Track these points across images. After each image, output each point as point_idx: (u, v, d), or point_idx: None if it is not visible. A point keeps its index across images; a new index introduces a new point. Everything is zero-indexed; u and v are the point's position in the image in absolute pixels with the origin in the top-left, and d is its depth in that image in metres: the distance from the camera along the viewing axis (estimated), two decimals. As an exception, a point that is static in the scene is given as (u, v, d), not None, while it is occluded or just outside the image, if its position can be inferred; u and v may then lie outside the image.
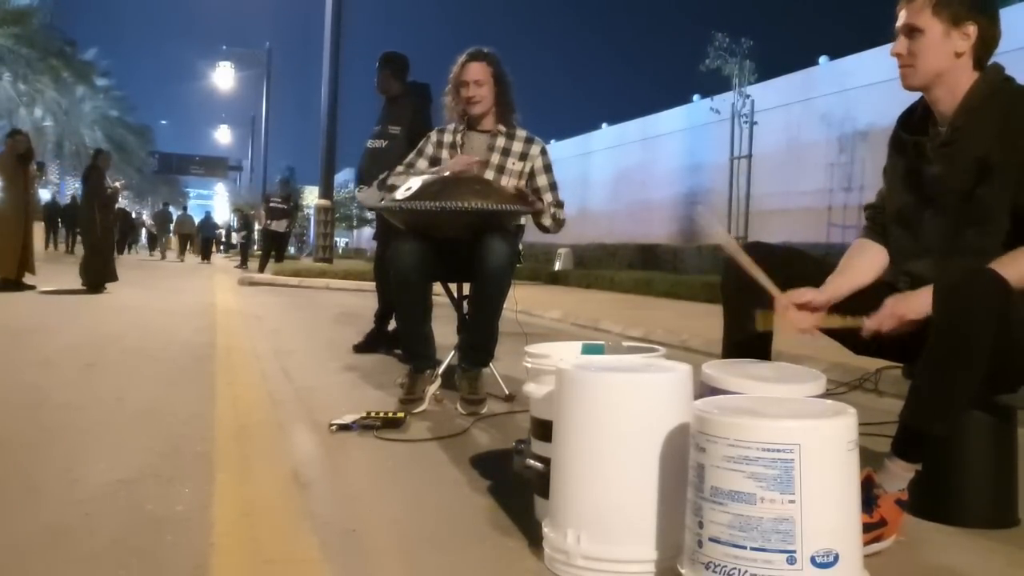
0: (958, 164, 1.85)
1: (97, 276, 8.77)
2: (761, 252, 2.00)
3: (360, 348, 4.60)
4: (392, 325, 4.70)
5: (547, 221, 3.18)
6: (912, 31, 1.87)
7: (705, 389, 1.59)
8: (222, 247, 28.53)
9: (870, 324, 1.78)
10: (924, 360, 1.67)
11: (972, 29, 1.83)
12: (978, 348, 1.61)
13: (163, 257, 28.50)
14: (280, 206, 16.01)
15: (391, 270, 2.99)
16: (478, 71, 3.18)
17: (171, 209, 34.32)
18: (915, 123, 1.99)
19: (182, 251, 28.80)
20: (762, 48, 14.34)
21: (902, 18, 1.89)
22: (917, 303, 1.73)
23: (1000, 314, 1.61)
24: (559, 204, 3.23)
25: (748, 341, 1.96)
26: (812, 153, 14.42)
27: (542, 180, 3.23)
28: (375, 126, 4.67)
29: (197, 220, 29.48)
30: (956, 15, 1.83)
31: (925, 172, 1.94)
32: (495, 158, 3.21)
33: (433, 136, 3.36)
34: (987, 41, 1.85)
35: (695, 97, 17.98)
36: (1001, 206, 1.79)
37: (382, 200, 3.30)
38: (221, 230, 19.52)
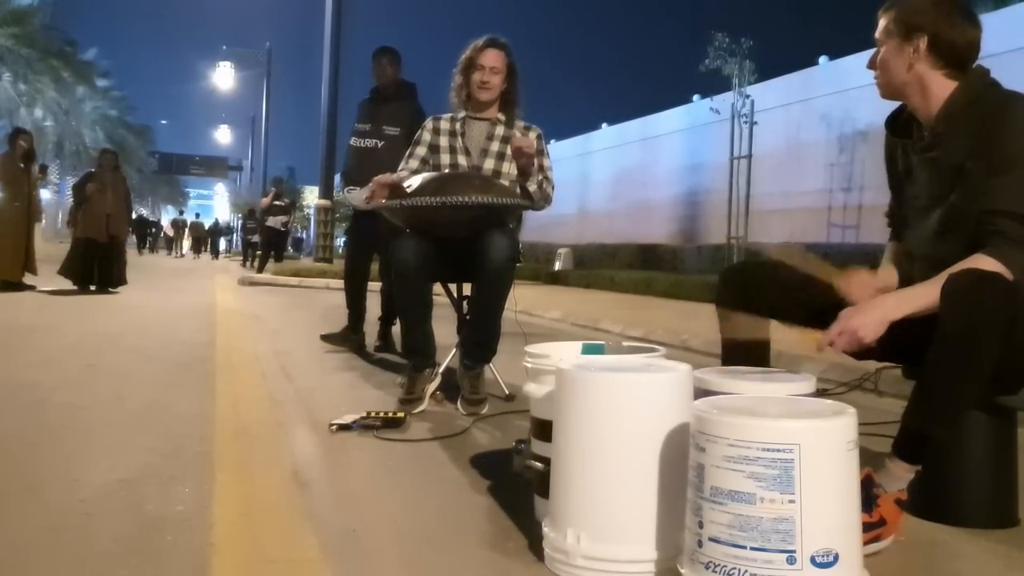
0: (937, 170, 1.84)
1: (72, 273, 8.76)
2: (741, 282, 2.04)
3: (378, 348, 4.71)
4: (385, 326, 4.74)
5: (531, 186, 3.15)
6: (878, 44, 1.89)
7: (698, 394, 1.59)
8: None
9: (823, 339, 1.71)
10: (930, 365, 1.65)
11: (922, 42, 1.80)
12: (986, 354, 1.60)
13: (180, 256, 33.46)
14: (277, 203, 15.97)
15: (392, 269, 2.98)
16: (496, 58, 3.19)
17: (184, 216, 43.36)
18: (901, 126, 1.99)
19: (196, 250, 33.95)
20: (762, 48, 14.29)
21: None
22: (872, 319, 1.66)
23: (1007, 319, 1.60)
24: (548, 181, 3.21)
25: (746, 350, 1.97)
26: (812, 153, 14.41)
27: (535, 162, 3.21)
28: (359, 124, 4.61)
29: (207, 224, 36.76)
30: (907, 28, 1.82)
31: (910, 176, 1.94)
32: (495, 146, 3.23)
33: (429, 124, 3.35)
34: (951, 47, 1.80)
35: (695, 97, 17.94)
36: (972, 213, 1.76)
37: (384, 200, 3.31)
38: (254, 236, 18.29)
